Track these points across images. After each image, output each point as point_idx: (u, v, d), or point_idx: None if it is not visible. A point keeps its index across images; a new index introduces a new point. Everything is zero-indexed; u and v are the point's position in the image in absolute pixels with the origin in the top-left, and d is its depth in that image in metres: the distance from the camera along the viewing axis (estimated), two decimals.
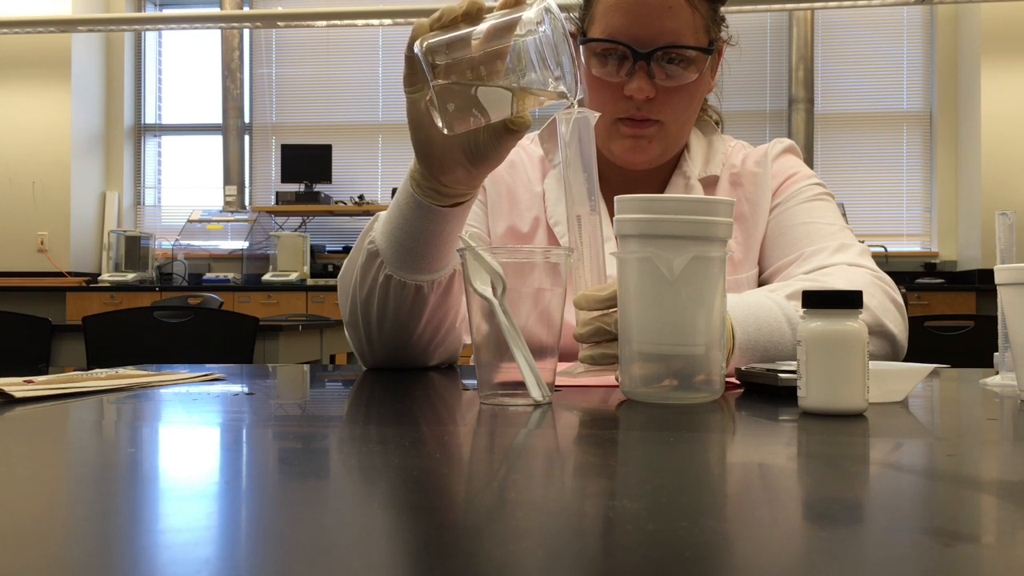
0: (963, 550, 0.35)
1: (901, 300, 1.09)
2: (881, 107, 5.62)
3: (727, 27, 1.21)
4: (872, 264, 1.13)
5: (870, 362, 0.71)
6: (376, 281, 1.00)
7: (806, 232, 1.18)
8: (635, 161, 1.18)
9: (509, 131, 0.87)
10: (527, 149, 1.31)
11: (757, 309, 0.93)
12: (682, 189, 1.23)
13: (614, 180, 1.23)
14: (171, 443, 0.64)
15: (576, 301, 0.89)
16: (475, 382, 0.79)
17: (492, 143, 0.89)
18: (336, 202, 5.67)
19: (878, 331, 1.03)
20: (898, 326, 1.06)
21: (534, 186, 1.27)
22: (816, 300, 0.71)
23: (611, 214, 1.21)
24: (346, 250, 5.48)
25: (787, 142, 1.29)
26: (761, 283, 1.23)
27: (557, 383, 0.81)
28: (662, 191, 1.23)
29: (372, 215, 1.04)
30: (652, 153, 1.18)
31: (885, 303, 1.06)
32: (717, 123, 1.32)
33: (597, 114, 0.95)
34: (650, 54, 1.11)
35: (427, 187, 0.94)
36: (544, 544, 0.36)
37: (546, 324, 0.77)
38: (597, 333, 0.87)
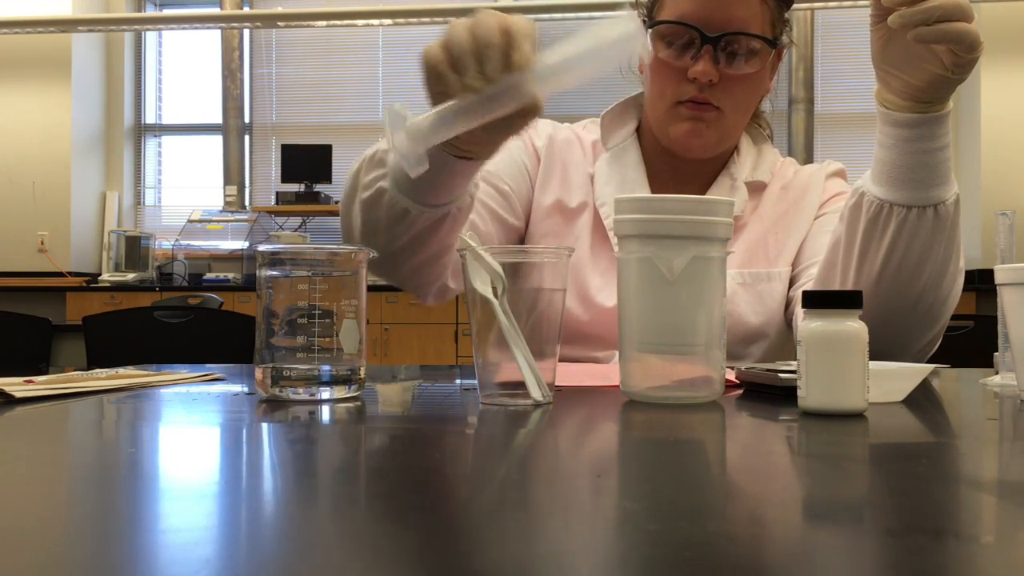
0: (963, 550, 0.35)
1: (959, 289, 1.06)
2: None
3: (790, 31, 1.22)
4: None
5: (870, 362, 0.71)
6: (372, 187, 0.99)
7: None
8: (691, 145, 1.19)
9: (521, 117, 0.81)
10: (580, 135, 1.33)
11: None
12: (727, 190, 1.24)
13: (664, 174, 1.26)
14: (171, 443, 0.64)
15: None
16: (475, 382, 0.79)
17: (505, 125, 0.83)
18: (336, 202, 5.65)
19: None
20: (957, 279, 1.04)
21: (586, 167, 1.29)
22: (816, 300, 0.71)
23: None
24: None
25: (839, 165, 1.32)
26: (791, 280, 1.24)
27: (558, 382, 0.81)
28: (706, 190, 1.25)
29: None
30: (709, 138, 1.19)
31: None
32: (769, 137, 1.34)
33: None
34: (718, 38, 1.12)
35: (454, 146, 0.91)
36: (544, 544, 0.36)
37: (546, 324, 0.77)
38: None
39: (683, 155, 1.21)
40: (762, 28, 1.15)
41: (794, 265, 1.24)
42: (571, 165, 1.28)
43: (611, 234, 1.22)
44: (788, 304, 1.23)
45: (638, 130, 1.30)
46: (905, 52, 0.92)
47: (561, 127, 1.33)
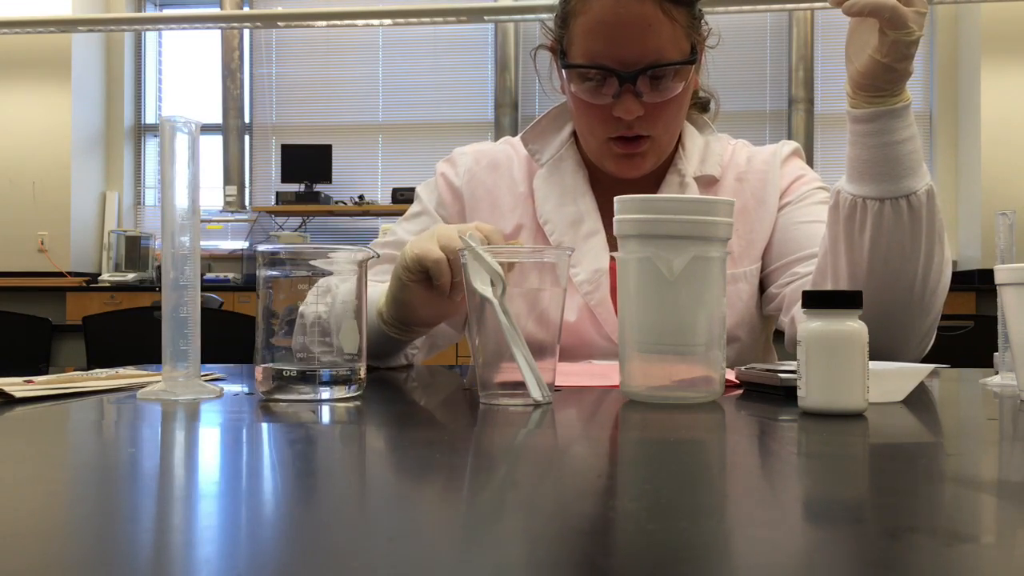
0: (963, 550, 0.35)
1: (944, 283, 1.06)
2: None
3: (706, 24, 1.19)
4: None
5: (870, 362, 0.71)
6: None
7: (815, 230, 1.17)
8: (630, 175, 1.18)
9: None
10: (516, 147, 1.29)
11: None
12: (677, 187, 1.21)
13: (607, 178, 1.22)
14: (171, 443, 0.64)
15: None
16: (475, 382, 0.79)
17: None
18: (336, 202, 5.67)
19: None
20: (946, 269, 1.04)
21: (518, 187, 1.26)
22: (816, 300, 0.71)
23: (605, 214, 1.20)
24: None
25: (794, 144, 1.29)
26: (763, 279, 1.22)
27: (558, 382, 0.81)
28: (656, 189, 1.22)
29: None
30: (647, 166, 1.18)
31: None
32: (706, 105, 1.30)
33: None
34: (635, 75, 1.09)
35: (393, 326, 1.04)
36: (544, 544, 0.36)
37: (545, 324, 0.77)
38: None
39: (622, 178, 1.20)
40: (677, 48, 1.11)
41: (768, 261, 1.22)
42: (500, 190, 1.25)
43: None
44: (769, 301, 1.21)
45: (575, 133, 1.26)
46: (859, 39, 0.95)
47: (488, 151, 1.29)
